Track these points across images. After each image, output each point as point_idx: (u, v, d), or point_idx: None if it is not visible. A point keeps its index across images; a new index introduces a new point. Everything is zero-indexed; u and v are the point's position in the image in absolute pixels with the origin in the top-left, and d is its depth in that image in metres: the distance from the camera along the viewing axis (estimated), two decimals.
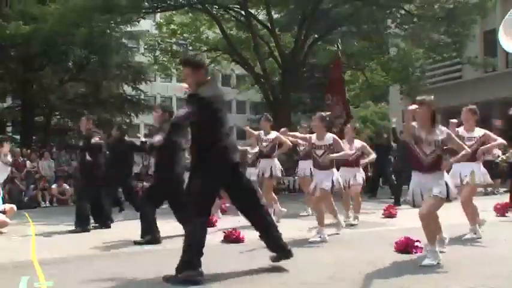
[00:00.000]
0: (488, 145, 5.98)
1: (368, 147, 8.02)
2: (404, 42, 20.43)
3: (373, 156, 7.98)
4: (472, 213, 6.00)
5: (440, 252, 4.63)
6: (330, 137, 6.21)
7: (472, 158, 5.66)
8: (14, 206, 8.33)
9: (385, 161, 13.78)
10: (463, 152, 4.91)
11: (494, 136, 6.06)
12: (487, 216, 8.03)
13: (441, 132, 4.59)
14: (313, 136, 6.37)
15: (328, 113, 6.67)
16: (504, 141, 6.20)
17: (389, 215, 8.83)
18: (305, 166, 8.71)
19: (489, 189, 14.25)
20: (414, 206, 4.67)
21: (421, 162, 4.58)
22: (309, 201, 9.08)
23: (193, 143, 4.42)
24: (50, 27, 15.54)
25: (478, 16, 18.09)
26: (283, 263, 4.48)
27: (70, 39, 16.85)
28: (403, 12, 18.72)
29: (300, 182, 9.59)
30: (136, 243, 6.11)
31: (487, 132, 6.02)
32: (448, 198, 4.49)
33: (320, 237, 5.99)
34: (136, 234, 6.82)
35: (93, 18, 15.56)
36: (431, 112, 4.55)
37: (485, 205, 10.08)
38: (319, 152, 6.21)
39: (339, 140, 6.29)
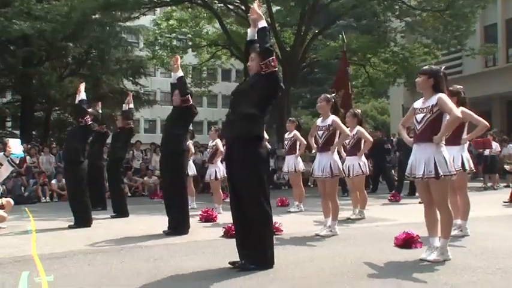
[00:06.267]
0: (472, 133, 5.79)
1: (365, 133, 7.78)
2: (404, 36, 20.39)
3: (369, 142, 7.74)
4: (462, 207, 5.78)
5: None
6: (330, 118, 6.25)
7: (456, 142, 5.58)
8: (11, 200, 8.34)
9: (382, 156, 13.91)
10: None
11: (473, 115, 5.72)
12: (488, 211, 8.08)
13: (434, 98, 4.46)
14: (319, 120, 6.46)
15: (333, 94, 6.66)
16: (485, 122, 5.79)
17: (395, 200, 10.70)
18: (289, 161, 9.33)
19: (489, 184, 14.29)
20: (410, 177, 4.61)
21: (416, 131, 4.55)
22: (296, 195, 9.24)
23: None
24: (54, 28, 15.62)
25: (478, 7, 18.05)
26: (282, 258, 4.49)
27: (73, 38, 16.95)
28: (404, 6, 18.70)
29: (289, 177, 9.83)
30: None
31: (464, 109, 5.53)
32: (437, 176, 4.32)
33: (331, 230, 6.02)
34: (137, 229, 6.85)
35: (96, 18, 15.66)
36: (431, 81, 4.49)
37: (485, 200, 10.16)
38: (320, 133, 6.31)
39: (339, 121, 6.27)
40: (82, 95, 7.69)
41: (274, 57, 4.34)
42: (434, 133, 4.40)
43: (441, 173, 4.34)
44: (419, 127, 4.52)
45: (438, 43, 19.35)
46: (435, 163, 4.35)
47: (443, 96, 4.46)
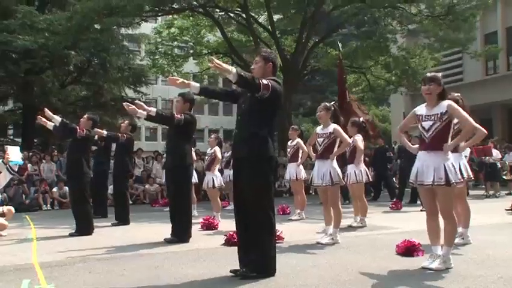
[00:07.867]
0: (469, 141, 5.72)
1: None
2: (404, 35, 20.43)
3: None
4: (463, 215, 5.75)
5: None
6: (331, 126, 6.25)
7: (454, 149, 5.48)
8: (12, 208, 8.33)
9: (384, 164, 13.88)
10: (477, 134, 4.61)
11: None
12: (490, 219, 8.07)
13: (442, 105, 4.44)
14: (319, 128, 6.45)
15: (332, 102, 6.66)
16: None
17: (396, 208, 10.65)
18: (291, 169, 9.33)
19: (490, 192, 14.25)
20: (415, 184, 4.58)
21: (424, 139, 4.51)
22: (297, 203, 9.22)
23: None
24: (56, 40, 15.74)
25: (478, 11, 18.09)
26: (284, 266, 4.49)
27: (75, 46, 17.03)
28: (405, 13, 18.74)
29: (291, 185, 9.84)
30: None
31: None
32: (448, 183, 4.30)
33: (332, 238, 6.01)
34: (138, 237, 6.84)
35: (99, 21, 15.71)
36: (440, 89, 4.47)
37: (487, 208, 10.14)
38: (320, 140, 6.29)
39: (340, 129, 6.26)
40: None
41: (262, 83, 4.16)
42: (444, 141, 4.39)
43: (452, 180, 4.32)
44: (427, 135, 4.48)
45: (441, 42, 19.29)
46: (445, 170, 4.33)
47: (453, 103, 4.46)
